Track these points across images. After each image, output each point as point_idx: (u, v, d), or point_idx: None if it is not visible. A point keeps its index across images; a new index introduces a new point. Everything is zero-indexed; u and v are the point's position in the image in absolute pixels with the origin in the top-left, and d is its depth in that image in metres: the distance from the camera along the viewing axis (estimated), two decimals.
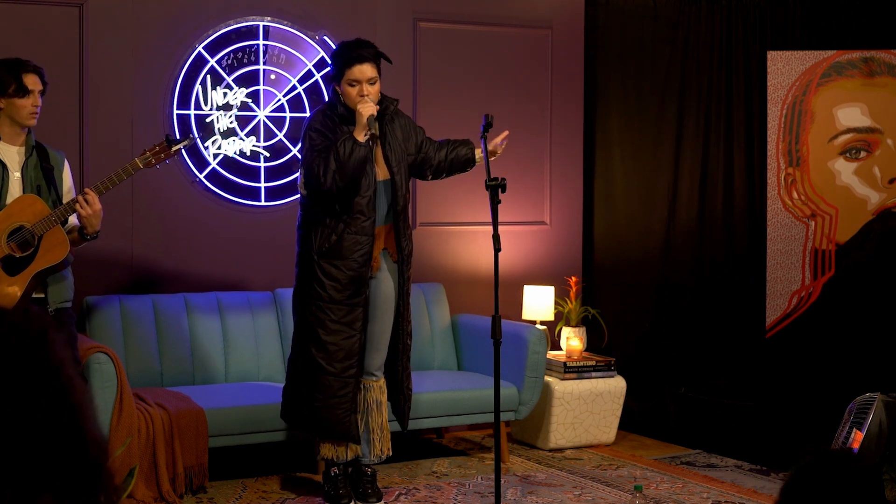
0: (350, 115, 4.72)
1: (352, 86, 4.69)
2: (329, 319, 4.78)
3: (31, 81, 4.37)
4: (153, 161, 4.46)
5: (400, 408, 5.02)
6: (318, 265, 4.78)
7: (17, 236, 4.30)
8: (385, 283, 4.90)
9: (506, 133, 4.94)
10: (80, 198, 4.31)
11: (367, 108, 4.63)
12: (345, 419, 4.81)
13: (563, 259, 6.70)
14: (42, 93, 4.41)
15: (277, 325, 5.76)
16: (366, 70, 4.69)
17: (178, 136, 4.70)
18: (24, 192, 4.37)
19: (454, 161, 5.00)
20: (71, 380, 1.46)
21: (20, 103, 4.34)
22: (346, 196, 4.70)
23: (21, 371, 1.43)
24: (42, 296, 4.38)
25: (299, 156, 5.53)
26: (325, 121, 4.78)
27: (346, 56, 4.72)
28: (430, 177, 5.08)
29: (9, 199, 4.35)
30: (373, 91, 4.71)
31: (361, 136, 4.62)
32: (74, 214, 4.37)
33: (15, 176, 4.37)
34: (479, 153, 4.97)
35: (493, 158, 4.76)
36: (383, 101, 4.83)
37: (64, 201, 4.46)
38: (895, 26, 6.72)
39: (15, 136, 4.39)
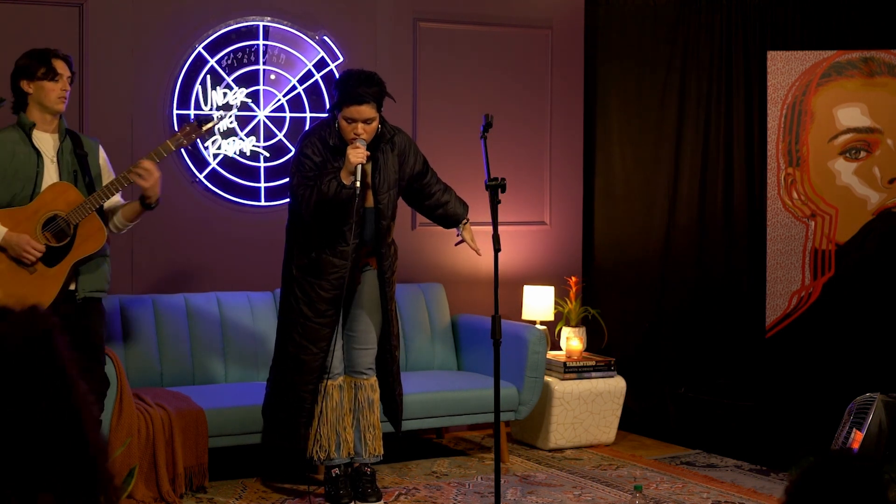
0: (342, 147, 4.69)
1: (347, 122, 4.67)
2: (297, 333, 4.84)
3: (61, 66, 4.39)
4: (184, 142, 4.48)
5: (393, 411, 5.07)
6: (296, 279, 4.83)
7: (52, 226, 4.29)
8: (369, 285, 4.92)
9: (476, 250, 5.08)
10: (138, 170, 4.32)
11: (357, 156, 4.56)
12: (297, 430, 4.88)
13: (563, 259, 6.70)
14: (70, 80, 4.43)
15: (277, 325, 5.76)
16: (364, 111, 4.64)
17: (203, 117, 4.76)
18: (60, 179, 4.35)
19: (445, 216, 5.07)
20: (74, 381, 1.46)
21: (49, 87, 4.35)
22: (328, 226, 4.73)
23: (24, 370, 1.43)
24: (73, 287, 4.35)
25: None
26: (319, 145, 4.74)
27: (347, 91, 4.64)
28: (417, 208, 5.16)
29: (45, 186, 4.33)
30: (368, 129, 4.67)
31: (347, 180, 4.59)
32: (117, 195, 4.39)
33: (51, 162, 4.36)
34: (463, 226, 5.07)
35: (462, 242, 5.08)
36: (381, 129, 4.79)
37: (104, 185, 4.46)
38: (895, 26, 6.72)
39: (46, 122, 4.40)
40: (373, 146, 4.76)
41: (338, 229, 4.74)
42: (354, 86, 4.64)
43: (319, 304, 4.80)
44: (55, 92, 4.37)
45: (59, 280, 4.29)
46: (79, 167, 4.40)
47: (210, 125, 4.53)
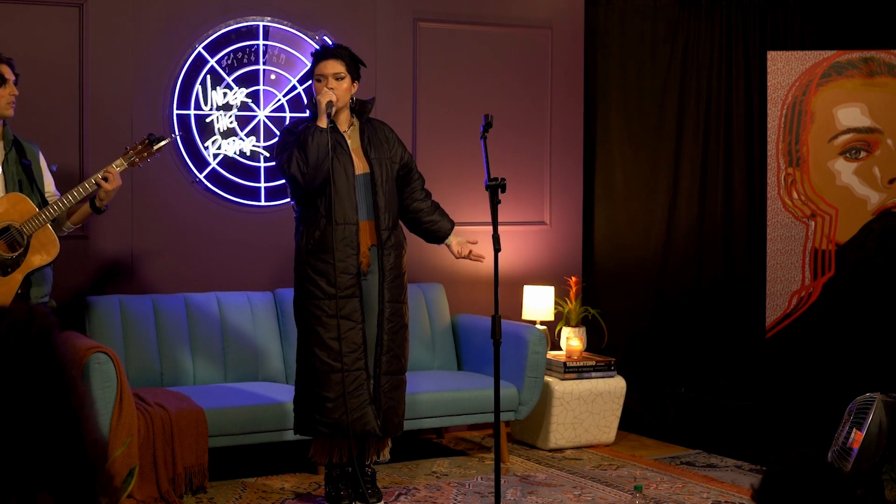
0: (316, 112, 4.78)
1: (318, 81, 4.76)
2: (326, 315, 4.71)
3: (6, 71, 4.39)
4: (136, 161, 4.53)
5: (378, 409, 4.78)
6: (308, 263, 4.76)
7: (6, 236, 4.30)
8: (374, 286, 4.85)
9: (479, 256, 5.02)
10: (105, 174, 4.39)
11: (325, 96, 4.71)
12: (361, 415, 4.70)
13: (563, 259, 6.70)
14: (15, 83, 4.43)
15: (277, 325, 5.76)
16: (332, 64, 4.77)
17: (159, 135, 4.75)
18: (5, 188, 4.38)
19: (430, 226, 5.01)
20: (73, 381, 1.46)
21: None
22: (318, 185, 4.69)
23: (24, 370, 1.43)
24: (23, 291, 4.37)
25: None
26: (296, 123, 4.86)
27: (315, 56, 4.85)
28: (402, 216, 5.03)
29: None
30: (339, 87, 4.75)
31: (323, 123, 4.68)
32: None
33: None
34: (451, 239, 5.02)
35: (460, 254, 5.02)
36: (361, 101, 4.88)
37: (46, 194, 4.48)
38: (895, 26, 6.73)
39: None
40: (359, 117, 4.86)
41: (334, 193, 4.69)
42: (322, 48, 4.90)
43: (339, 276, 4.70)
44: (4, 98, 4.37)
45: (13, 289, 4.31)
46: (24, 177, 4.42)
47: (162, 144, 4.58)
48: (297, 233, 4.84)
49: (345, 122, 4.82)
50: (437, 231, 5.02)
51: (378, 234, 4.81)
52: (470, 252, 5.01)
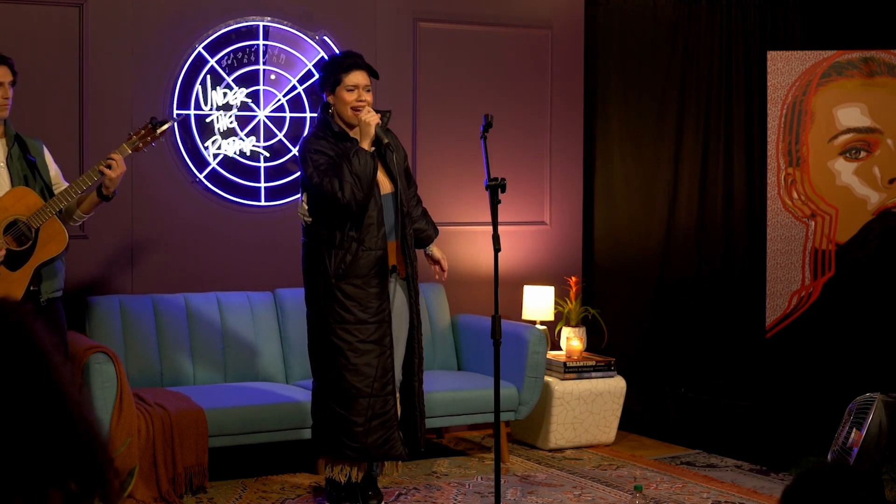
0: (346, 132, 4.66)
1: (350, 91, 4.64)
2: (358, 340, 4.65)
3: (2, 73, 4.38)
4: (140, 146, 4.50)
5: (415, 424, 4.87)
6: (337, 288, 4.63)
7: (14, 230, 4.30)
8: (398, 300, 4.81)
9: (442, 274, 5.05)
10: (108, 161, 4.37)
11: (373, 117, 4.59)
12: (390, 437, 4.73)
13: (563, 259, 6.70)
14: (13, 83, 4.42)
15: (277, 325, 5.76)
16: (364, 77, 4.68)
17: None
18: (11, 184, 4.37)
19: (418, 234, 4.97)
20: (57, 365, 1.46)
21: None
22: (360, 210, 4.60)
23: (3, 357, 1.43)
24: (35, 288, 4.37)
25: (299, 171, 5.46)
26: (322, 141, 4.67)
27: (342, 63, 4.70)
28: None
29: None
30: (368, 98, 4.68)
31: (368, 147, 4.57)
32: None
33: (3, 169, 4.38)
34: (432, 247, 5.02)
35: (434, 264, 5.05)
36: (382, 113, 4.78)
37: (53, 186, 4.49)
38: (895, 26, 6.73)
39: None
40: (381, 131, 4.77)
41: (366, 217, 4.63)
42: (349, 56, 4.74)
43: (372, 301, 4.66)
44: None
45: (23, 283, 4.30)
46: (29, 172, 4.42)
47: (165, 128, 4.54)
48: (320, 255, 4.67)
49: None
50: (424, 239, 5.00)
51: (405, 255, 4.78)
52: (440, 265, 5.01)
